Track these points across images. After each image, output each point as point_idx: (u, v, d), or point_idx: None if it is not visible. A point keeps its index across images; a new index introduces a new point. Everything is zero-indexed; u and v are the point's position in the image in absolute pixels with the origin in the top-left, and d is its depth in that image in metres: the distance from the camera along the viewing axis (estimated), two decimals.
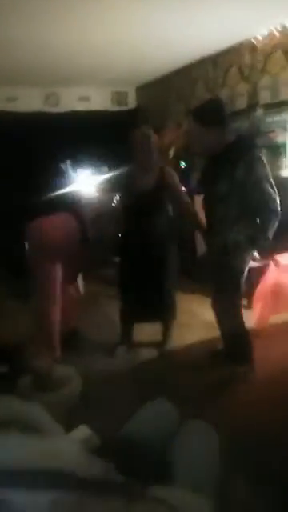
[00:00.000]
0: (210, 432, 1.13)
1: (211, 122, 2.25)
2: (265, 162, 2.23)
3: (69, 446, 0.69)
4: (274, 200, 2.19)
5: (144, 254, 2.76)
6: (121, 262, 3.02)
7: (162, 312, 2.92)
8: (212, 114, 2.27)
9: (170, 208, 2.81)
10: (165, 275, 2.81)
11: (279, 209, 2.20)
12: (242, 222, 2.27)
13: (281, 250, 3.13)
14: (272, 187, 2.20)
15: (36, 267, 2.78)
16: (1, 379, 0.97)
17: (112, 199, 3.09)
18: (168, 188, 2.73)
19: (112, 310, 3.08)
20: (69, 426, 0.94)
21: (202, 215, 2.70)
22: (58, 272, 2.79)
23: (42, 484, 0.56)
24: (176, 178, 2.79)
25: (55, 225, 2.84)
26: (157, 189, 2.69)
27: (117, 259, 3.26)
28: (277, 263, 3.03)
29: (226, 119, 2.32)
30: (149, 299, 2.83)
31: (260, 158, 2.21)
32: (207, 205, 2.48)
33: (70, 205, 3.29)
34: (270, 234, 2.25)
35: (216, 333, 3.07)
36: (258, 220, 2.26)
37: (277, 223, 2.23)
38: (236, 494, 1.52)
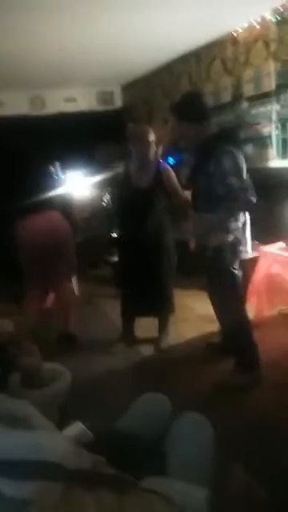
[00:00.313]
0: (204, 423, 1.14)
1: (188, 116, 2.21)
2: (236, 155, 2.15)
3: (53, 439, 0.70)
4: (238, 193, 2.12)
5: (141, 249, 2.77)
6: (118, 258, 3.04)
7: (161, 306, 2.94)
8: (188, 108, 2.24)
9: (166, 204, 2.81)
10: (162, 270, 2.82)
11: (249, 200, 2.14)
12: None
13: (271, 241, 3.16)
14: (241, 181, 2.13)
15: (26, 262, 3.05)
16: None
17: (102, 199, 3.11)
18: (164, 184, 2.73)
19: (107, 310, 3.09)
20: (60, 422, 0.95)
21: None
22: (47, 267, 3.03)
23: (26, 474, 0.57)
24: (172, 174, 2.79)
25: (42, 222, 3.01)
26: (154, 185, 2.70)
27: (110, 258, 3.28)
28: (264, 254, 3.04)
29: (204, 113, 2.28)
30: (147, 294, 2.85)
31: (230, 152, 2.14)
32: (192, 200, 2.48)
33: (60, 205, 3.35)
34: (240, 224, 2.24)
35: (213, 327, 3.10)
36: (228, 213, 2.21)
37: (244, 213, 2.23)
38: (235, 483, 1.53)
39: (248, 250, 3.31)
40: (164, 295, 2.89)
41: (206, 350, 2.78)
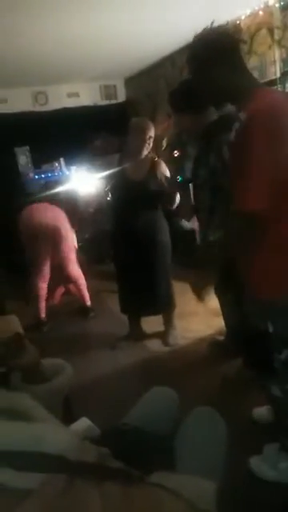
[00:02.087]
0: (217, 419, 1.12)
1: (184, 106, 2.12)
2: None
3: (54, 431, 0.70)
4: None
5: (135, 244, 2.74)
6: (114, 256, 3.02)
7: (161, 305, 2.91)
8: (184, 97, 2.12)
9: (159, 197, 2.78)
10: (157, 265, 2.79)
11: None
12: (219, 211, 2.12)
13: None
14: None
15: (27, 247, 3.43)
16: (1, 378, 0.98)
17: (107, 193, 3.09)
18: (157, 179, 2.71)
19: (114, 305, 3.08)
20: (65, 416, 0.94)
21: None
22: (47, 252, 3.41)
23: (29, 466, 0.57)
24: (165, 170, 2.76)
25: (41, 210, 3.43)
26: (147, 179, 2.68)
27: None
28: None
29: (200, 101, 2.22)
30: (145, 293, 2.82)
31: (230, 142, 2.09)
32: (193, 193, 2.41)
33: (65, 200, 3.44)
34: None
35: (221, 321, 3.07)
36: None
37: None
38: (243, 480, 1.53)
39: None
40: (162, 292, 2.84)
41: (209, 348, 2.74)
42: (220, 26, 1.41)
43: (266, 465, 1.63)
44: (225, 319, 2.61)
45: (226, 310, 2.50)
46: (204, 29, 1.39)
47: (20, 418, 0.71)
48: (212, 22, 1.41)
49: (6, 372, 0.97)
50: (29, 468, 0.57)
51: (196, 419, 1.12)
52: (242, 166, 1.23)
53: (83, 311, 3.72)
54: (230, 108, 1.42)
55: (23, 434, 0.63)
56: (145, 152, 2.68)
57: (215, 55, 1.33)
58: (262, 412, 1.94)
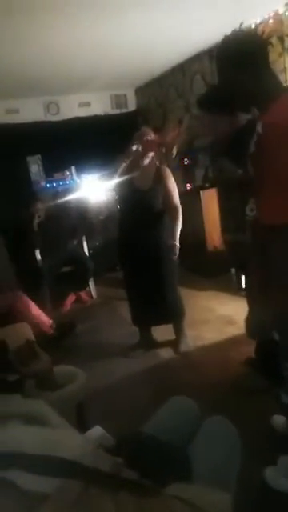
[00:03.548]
0: (230, 428, 1.10)
1: (215, 109, 2.14)
2: None
3: (70, 437, 0.69)
4: None
5: (141, 255, 2.74)
6: (121, 266, 3.03)
7: (170, 314, 2.90)
8: (212, 98, 2.15)
9: (165, 206, 2.78)
10: (165, 275, 2.78)
11: None
12: None
13: None
14: None
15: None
16: (13, 385, 0.98)
17: (117, 203, 3.11)
18: (163, 187, 2.72)
19: (125, 313, 3.08)
20: (79, 424, 0.94)
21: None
22: None
23: (44, 470, 0.57)
24: (170, 178, 2.76)
25: None
26: (153, 188, 2.69)
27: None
28: None
29: (227, 103, 2.20)
30: (153, 302, 2.81)
31: None
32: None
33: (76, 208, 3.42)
34: None
35: (233, 328, 3.05)
36: None
37: None
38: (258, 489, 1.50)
39: None
40: (170, 300, 2.83)
41: (245, 367, 2.48)
42: (249, 29, 1.41)
43: (281, 476, 1.60)
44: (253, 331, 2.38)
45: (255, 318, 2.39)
46: (233, 30, 1.38)
47: (35, 423, 0.71)
48: (241, 24, 1.40)
49: (20, 379, 0.97)
50: (45, 472, 0.57)
51: (208, 429, 1.10)
52: (264, 177, 1.21)
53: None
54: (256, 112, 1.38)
55: (40, 439, 0.63)
56: (145, 161, 2.69)
57: (243, 56, 1.31)
58: (280, 420, 1.90)
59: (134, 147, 2.61)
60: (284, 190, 1.18)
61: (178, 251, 2.73)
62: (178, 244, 2.72)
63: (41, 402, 0.77)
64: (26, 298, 3.01)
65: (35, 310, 3.03)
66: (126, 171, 2.67)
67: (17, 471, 0.56)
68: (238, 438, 1.08)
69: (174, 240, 2.71)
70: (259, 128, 1.20)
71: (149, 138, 2.68)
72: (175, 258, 2.73)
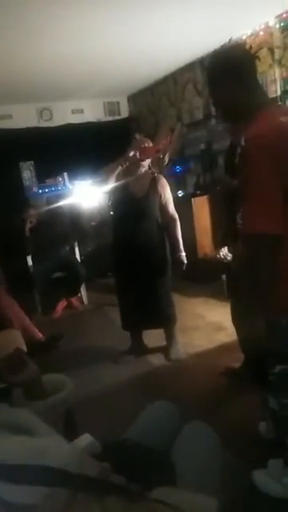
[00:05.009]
0: (210, 433, 1.12)
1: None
2: None
3: (56, 445, 0.70)
4: None
5: (135, 261, 2.77)
6: (114, 271, 3.04)
7: (162, 318, 2.91)
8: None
9: (159, 215, 2.81)
10: (158, 281, 2.81)
11: None
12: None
13: None
14: None
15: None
16: (2, 393, 0.98)
17: (110, 209, 3.13)
18: (158, 195, 2.75)
19: (117, 318, 3.08)
20: (66, 431, 0.94)
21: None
22: None
23: (30, 479, 0.57)
24: (165, 186, 2.80)
25: None
26: (148, 196, 2.72)
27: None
28: None
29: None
30: (146, 307, 2.82)
31: None
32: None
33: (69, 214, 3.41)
34: None
35: (223, 335, 3.07)
36: None
37: None
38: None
39: None
40: (162, 306, 2.85)
41: (224, 377, 2.50)
42: (237, 43, 1.44)
43: (271, 479, 1.62)
44: (241, 343, 2.42)
45: (244, 332, 2.33)
46: (222, 45, 1.42)
47: (22, 432, 0.71)
48: (230, 39, 1.44)
49: (7, 387, 0.98)
50: (31, 482, 0.56)
51: (187, 434, 1.12)
52: (246, 189, 1.24)
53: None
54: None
55: (26, 448, 0.63)
56: (141, 169, 2.72)
57: (228, 70, 1.34)
58: (267, 426, 1.92)
59: (132, 153, 2.63)
60: (262, 202, 1.21)
61: (185, 259, 2.80)
62: (183, 253, 2.80)
63: (27, 411, 0.78)
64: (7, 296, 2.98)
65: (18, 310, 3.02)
66: (122, 176, 2.70)
67: (0, 483, 0.56)
68: (216, 440, 1.10)
69: (180, 251, 2.80)
70: (242, 140, 1.24)
71: (146, 144, 2.71)
72: (183, 267, 2.79)
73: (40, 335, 3.13)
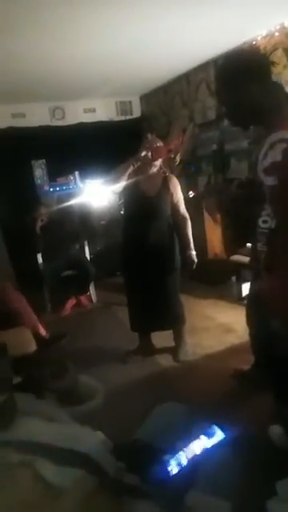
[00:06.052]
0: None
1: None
2: None
3: (88, 434, 0.73)
4: None
5: (144, 260, 2.76)
6: (124, 270, 3.04)
7: (171, 319, 2.90)
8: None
9: (170, 214, 2.81)
10: (167, 281, 2.80)
11: None
12: None
13: None
14: None
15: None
16: (18, 389, 0.98)
17: (120, 208, 3.13)
18: (169, 195, 2.75)
19: (125, 317, 3.08)
20: None
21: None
22: None
23: (65, 461, 0.62)
24: (176, 185, 2.80)
25: None
26: (160, 195, 2.72)
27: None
28: None
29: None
30: (154, 308, 2.82)
31: None
32: None
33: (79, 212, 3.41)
34: None
35: (233, 336, 3.04)
36: None
37: None
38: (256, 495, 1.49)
39: None
40: (171, 307, 2.85)
41: (234, 380, 2.49)
42: (252, 46, 1.42)
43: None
44: (253, 344, 2.36)
45: (255, 332, 2.27)
46: (235, 48, 1.40)
47: (53, 420, 0.74)
48: (244, 43, 1.42)
49: (33, 379, 0.97)
50: (66, 463, 0.61)
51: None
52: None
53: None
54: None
55: (62, 433, 0.67)
56: (153, 168, 2.71)
57: (245, 74, 1.30)
58: (278, 430, 1.89)
59: (144, 153, 2.63)
60: None
61: (195, 258, 2.81)
62: (194, 252, 2.81)
63: (52, 402, 0.80)
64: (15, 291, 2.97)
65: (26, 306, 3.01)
66: (134, 175, 2.70)
67: (41, 460, 0.60)
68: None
69: (191, 249, 2.80)
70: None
71: (158, 144, 2.71)
72: (193, 266, 2.81)
73: (44, 332, 3.13)
